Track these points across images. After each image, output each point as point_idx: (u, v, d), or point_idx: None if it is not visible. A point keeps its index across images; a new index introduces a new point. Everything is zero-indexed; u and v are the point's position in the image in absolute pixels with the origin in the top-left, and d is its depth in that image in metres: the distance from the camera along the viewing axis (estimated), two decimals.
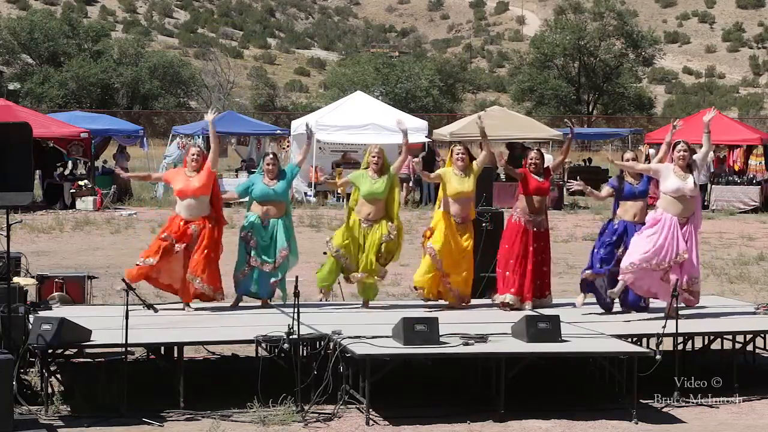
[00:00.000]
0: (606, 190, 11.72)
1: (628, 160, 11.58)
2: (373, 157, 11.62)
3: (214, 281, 11.17)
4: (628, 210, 11.41)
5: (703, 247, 20.44)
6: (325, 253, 12.40)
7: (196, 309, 11.28)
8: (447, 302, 11.72)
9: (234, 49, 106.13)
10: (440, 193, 11.82)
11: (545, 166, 12.14)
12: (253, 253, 11.38)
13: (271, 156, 11.71)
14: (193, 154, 11.35)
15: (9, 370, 8.26)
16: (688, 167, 11.09)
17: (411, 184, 30.08)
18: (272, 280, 11.42)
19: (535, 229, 11.72)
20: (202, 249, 11.10)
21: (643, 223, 11.19)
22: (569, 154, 43.57)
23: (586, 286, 11.49)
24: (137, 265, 11.10)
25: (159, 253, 11.03)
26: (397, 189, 11.82)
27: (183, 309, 11.16)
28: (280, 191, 11.47)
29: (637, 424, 9.10)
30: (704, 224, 11.57)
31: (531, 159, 11.95)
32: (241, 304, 11.73)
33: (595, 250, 11.52)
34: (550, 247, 11.96)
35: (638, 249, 10.88)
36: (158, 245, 11.10)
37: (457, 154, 11.73)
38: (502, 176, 30.73)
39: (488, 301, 12.08)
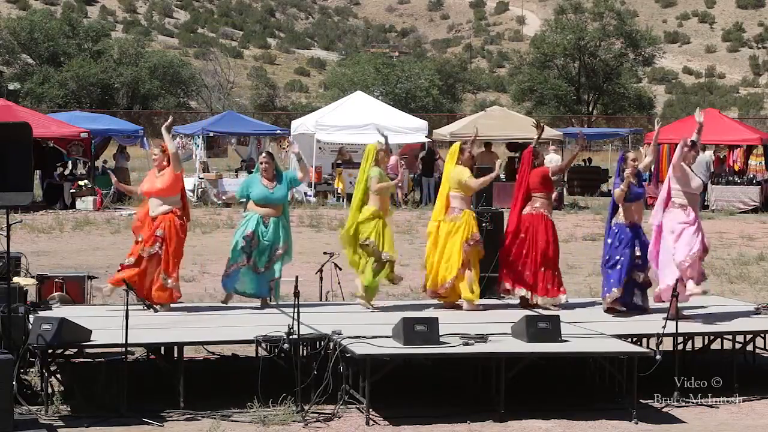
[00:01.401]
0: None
1: (634, 160, 11.54)
2: (382, 152, 11.69)
3: (178, 279, 11.19)
4: (633, 212, 11.39)
5: None
6: (325, 252, 12.42)
7: (195, 309, 11.30)
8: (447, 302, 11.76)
9: (234, 49, 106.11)
10: (439, 201, 11.84)
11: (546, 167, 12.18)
12: (253, 254, 11.36)
13: (265, 155, 11.74)
14: (155, 154, 11.48)
15: (9, 370, 8.26)
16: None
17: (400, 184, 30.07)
18: (275, 276, 11.39)
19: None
20: (171, 249, 11.08)
21: (638, 225, 11.28)
22: (569, 154, 43.55)
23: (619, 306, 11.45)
24: (121, 266, 11.11)
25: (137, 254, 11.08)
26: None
27: (152, 311, 10.93)
28: (279, 195, 11.50)
29: (637, 424, 9.11)
30: (704, 224, 11.58)
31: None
32: (240, 304, 11.73)
33: (611, 270, 11.43)
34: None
35: (687, 246, 10.90)
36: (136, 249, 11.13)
37: (468, 152, 11.80)
38: (502, 176, 30.80)
39: (488, 301, 12.06)
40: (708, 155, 30.22)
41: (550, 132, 34.33)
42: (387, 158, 11.99)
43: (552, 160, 29.09)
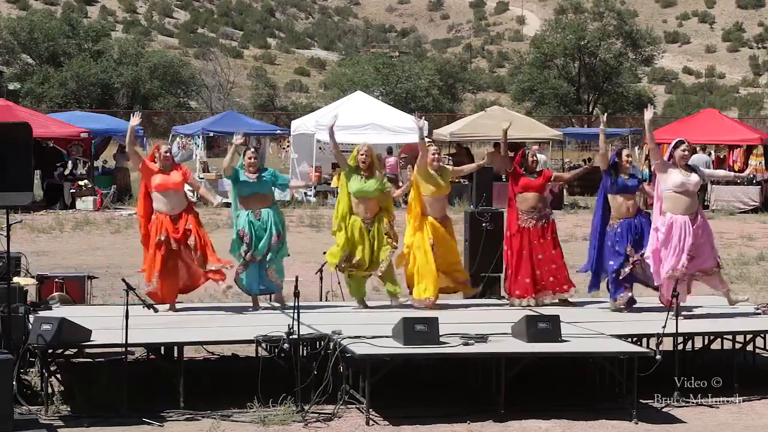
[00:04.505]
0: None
1: (628, 156, 11.66)
2: (362, 155, 11.73)
3: (219, 260, 11.39)
4: (621, 205, 11.47)
5: None
6: (325, 252, 12.43)
7: (198, 309, 11.33)
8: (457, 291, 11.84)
9: (234, 49, 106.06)
10: (411, 199, 11.84)
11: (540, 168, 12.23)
12: (251, 249, 11.36)
13: (252, 150, 11.73)
14: (166, 152, 11.53)
15: (9, 370, 8.26)
16: (688, 167, 11.21)
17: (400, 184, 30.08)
18: (281, 276, 11.44)
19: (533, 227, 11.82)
20: (202, 239, 11.29)
21: (634, 216, 11.36)
22: (569, 154, 43.44)
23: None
24: (149, 290, 11.16)
25: (159, 268, 11.08)
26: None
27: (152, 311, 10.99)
28: (263, 184, 11.56)
29: (637, 424, 9.11)
30: None
31: (528, 158, 12.02)
32: (241, 304, 11.74)
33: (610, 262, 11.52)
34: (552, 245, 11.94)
35: (666, 263, 10.94)
36: (157, 260, 11.12)
37: (433, 154, 11.80)
38: (503, 176, 30.79)
39: (489, 301, 12.09)
40: (705, 157, 30.22)
41: (549, 132, 34.36)
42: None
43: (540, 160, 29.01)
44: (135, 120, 11.66)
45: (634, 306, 11.49)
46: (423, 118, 12.39)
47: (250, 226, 11.39)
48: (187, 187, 11.67)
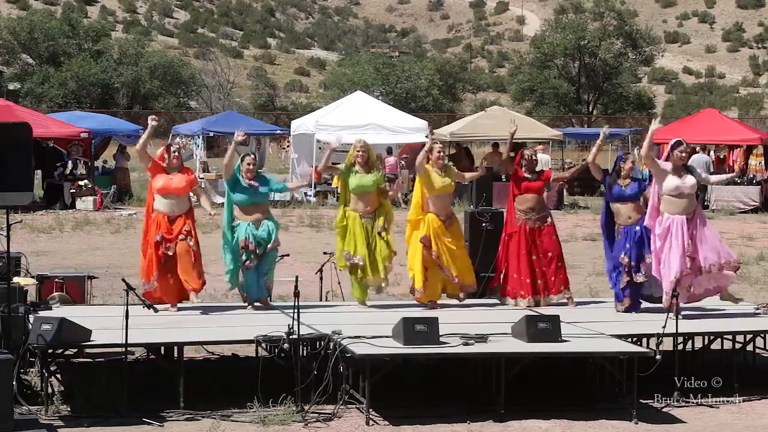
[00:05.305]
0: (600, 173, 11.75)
1: (633, 163, 11.63)
2: (359, 151, 11.76)
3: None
4: (618, 212, 11.43)
5: None
6: (325, 252, 12.44)
7: (196, 308, 11.33)
8: (451, 295, 11.80)
9: (234, 49, 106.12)
10: (415, 198, 11.83)
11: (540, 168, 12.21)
12: (252, 257, 11.32)
13: (251, 156, 11.66)
14: (175, 151, 11.47)
15: (9, 370, 8.27)
16: (685, 168, 11.13)
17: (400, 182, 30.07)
18: (270, 277, 11.43)
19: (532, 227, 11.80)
20: (195, 242, 11.27)
21: (635, 224, 11.29)
22: (569, 154, 43.38)
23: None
24: (146, 290, 11.14)
25: (157, 267, 11.09)
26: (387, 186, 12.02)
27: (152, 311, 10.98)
28: (259, 193, 11.49)
29: (637, 424, 9.11)
30: None
31: (528, 158, 12.02)
32: (241, 304, 11.74)
33: (614, 275, 11.48)
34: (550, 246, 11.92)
35: (667, 270, 10.89)
36: (154, 259, 11.12)
37: (438, 152, 11.79)
38: (503, 176, 30.76)
39: (488, 301, 12.09)
40: (705, 157, 30.23)
41: (549, 132, 34.36)
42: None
43: (542, 159, 29.03)
44: (154, 122, 11.54)
45: (636, 310, 11.44)
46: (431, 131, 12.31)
47: (252, 237, 11.30)
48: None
